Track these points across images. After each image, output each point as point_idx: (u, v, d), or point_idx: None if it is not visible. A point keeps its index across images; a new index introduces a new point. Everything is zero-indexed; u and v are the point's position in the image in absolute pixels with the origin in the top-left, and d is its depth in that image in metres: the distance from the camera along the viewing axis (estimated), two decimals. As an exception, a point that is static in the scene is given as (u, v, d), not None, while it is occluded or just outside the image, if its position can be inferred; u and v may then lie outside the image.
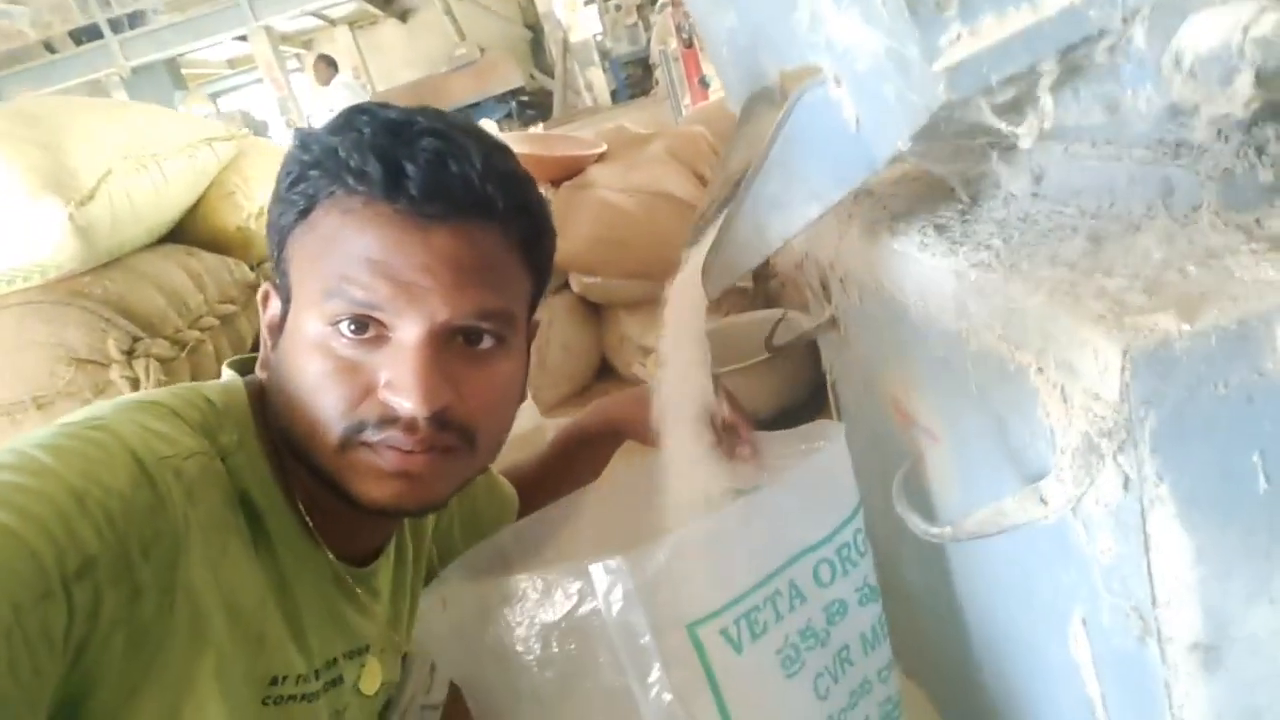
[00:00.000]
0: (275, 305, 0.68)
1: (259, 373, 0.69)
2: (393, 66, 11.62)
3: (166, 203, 1.61)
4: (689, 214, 2.71)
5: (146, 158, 1.54)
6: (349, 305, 0.61)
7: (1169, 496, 0.53)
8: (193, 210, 1.72)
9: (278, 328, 0.67)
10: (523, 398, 0.73)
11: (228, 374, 0.72)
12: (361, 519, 0.70)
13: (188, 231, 1.72)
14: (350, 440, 0.62)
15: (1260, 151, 0.59)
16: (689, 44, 4.85)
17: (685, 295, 0.77)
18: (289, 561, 0.66)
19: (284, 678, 0.64)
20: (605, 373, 2.98)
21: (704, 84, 4.69)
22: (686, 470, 0.79)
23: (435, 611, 0.79)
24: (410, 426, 0.61)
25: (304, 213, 0.63)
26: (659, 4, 6.18)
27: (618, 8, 9.06)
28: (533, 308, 0.74)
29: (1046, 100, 0.54)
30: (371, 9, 10.57)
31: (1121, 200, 0.68)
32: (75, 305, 1.45)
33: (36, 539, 0.48)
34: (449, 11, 10.50)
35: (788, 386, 2.27)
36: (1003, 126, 0.55)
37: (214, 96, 11.20)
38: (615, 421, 1.00)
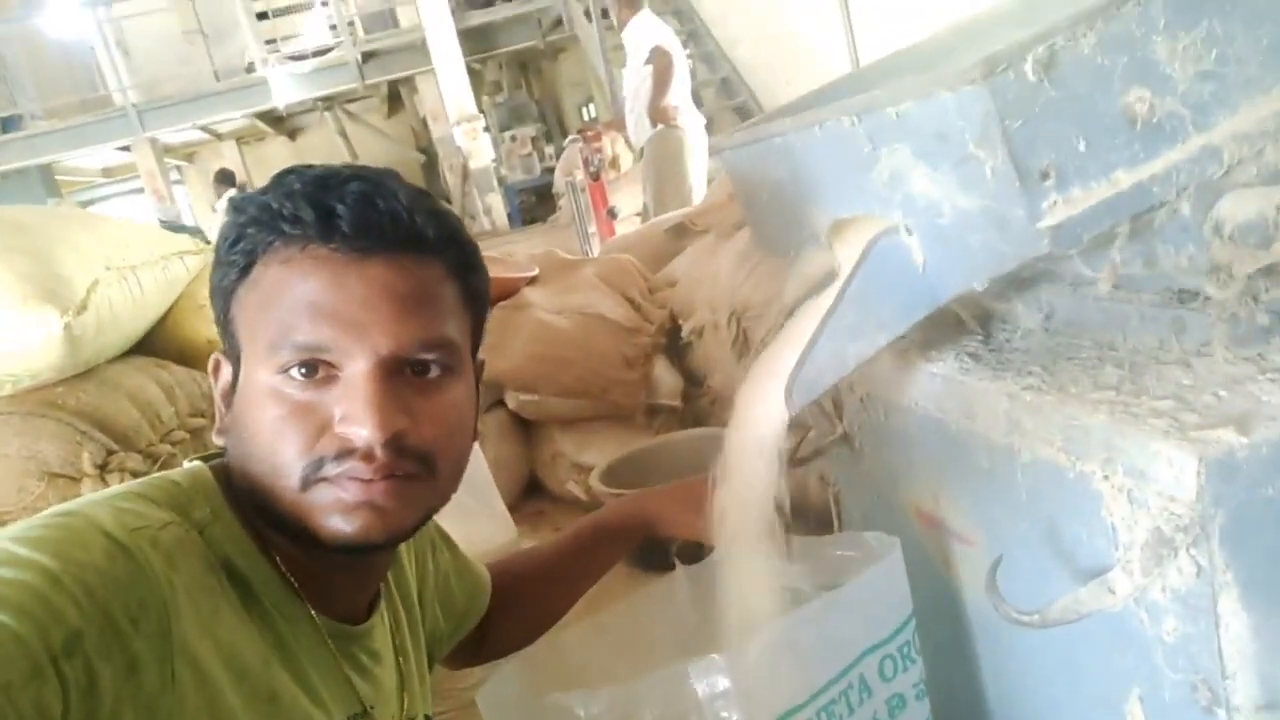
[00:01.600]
0: (226, 370, 0.69)
1: (216, 439, 0.70)
2: (279, 182, 11.56)
3: (142, 314, 1.59)
4: (623, 335, 2.83)
5: (126, 269, 1.53)
6: (296, 351, 0.62)
7: (1233, 582, 0.63)
8: (161, 322, 1.70)
9: (229, 390, 0.68)
10: (475, 435, 0.74)
11: (159, 474, 0.71)
12: (340, 574, 0.71)
13: (155, 342, 1.69)
14: (310, 478, 0.62)
15: (1256, 299, 0.74)
16: (595, 177, 5.08)
17: (763, 410, 0.85)
18: (282, 624, 0.66)
19: None
20: (532, 490, 2.99)
21: (611, 215, 4.90)
22: (759, 571, 0.85)
23: None
24: (368, 455, 0.62)
25: (244, 270, 0.65)
26: (568, 139, 6.48)
27: (513, 139, 9.39)
28: (475, 342, 0.74)
29: (1116, 254, 0.66)
30: (261, 125, 10.57)
31: (1134, 336, 0.82)
32: (50, 417, 1.41)
33: (17, 621, 0.48)
34: (342, 132, 10.62)
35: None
36: (1088, 272, 0.67)
37: (85, 204, 10.82)
38: (649, 517, 1.04)
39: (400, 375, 0.64)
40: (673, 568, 2.30)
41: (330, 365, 0.62)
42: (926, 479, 0.98)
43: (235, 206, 0.66)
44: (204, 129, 9.97)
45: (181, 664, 0.56)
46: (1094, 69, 0.60)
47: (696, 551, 2.28)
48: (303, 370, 0.62)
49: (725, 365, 2.56)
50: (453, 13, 8.20)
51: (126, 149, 9.24)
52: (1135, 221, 0.65)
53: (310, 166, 0.66)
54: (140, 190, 9.86)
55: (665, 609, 1.00)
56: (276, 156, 11.85)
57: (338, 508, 0.62)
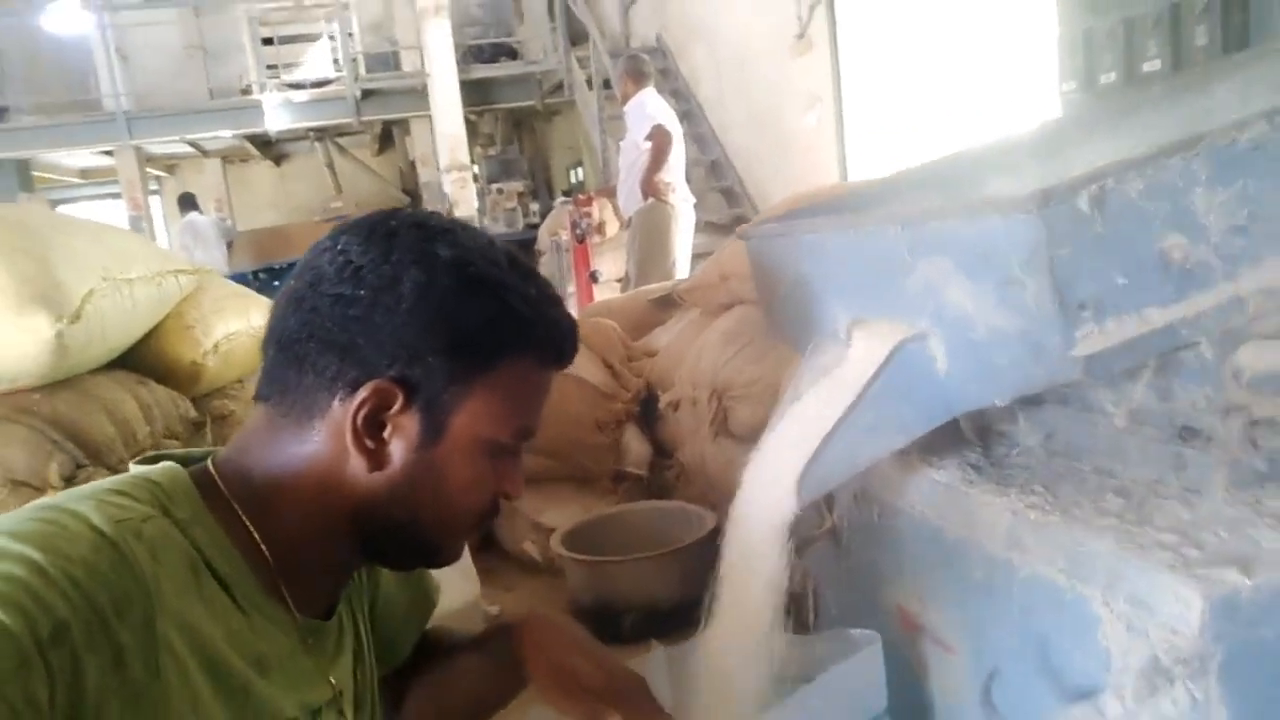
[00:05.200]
0: (411, 424, 0.70)
1: (365, 472, 0.71)
2: (258, 205, 11.53)
3: (131, 328, 1.57)
4: (598, 399, 2.83)
5: (122, 281, 1.51)
6: (520, 442, 0.75)
7: (1226, 716, 0.65)
8: (146, 338, 1.67)
9: (415, 444, 0.71)
10: None
11: (139, 469, 0.71)
12: (323, 574, 0.75)
13: (138, 358, 1.66)
14: (475, 527, 0.75)
15: (1255, 445, 0.77)
16: (580, 240, 5.13)
17: (772, 500, 0.86)
18: (257, 619, 0.68)
19: None
20: (484, 546, 2.95)
21: (593, 278, 4.94)
22: (750, 659, 0.85)
23: None
24: (499, 508, 0.76)
25: (496, 355, 0.71)
26: (558, 200, 6.55)
27: (500, 191, 9.48)
28: None
29: (1139, 388, 0.69)
30: (249, 147, 10.57)
31: (1134, 467, 0.84)
32: (23, 423, 1.37)
33: (5, 614, 0.51)
34: (330, 164, 10.65)
35: (689, 577, 2.34)
36: (1109, 406, 0.69)
37: (58, 204, 10.66)
38: (529, 669, 0.87)
39: None
40: (623, 640, 2.27)
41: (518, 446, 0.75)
42: (913, 582, 0.99)
43: (497, 281, 0.71)
44: (191, 143, 9.94)
45: (165, 656, 0.58)
46: (1138, 212, 0.63)
47: (648, 627, 2.24)
48: (508, 449, 0.74)
49: (699, 441, 2.57)
50: (457, 63, 8.34)
51: (109, 153, 9.16)
52: (1161, 358, 0.68)
53: (546, 283, 0.76)
54: (117, 195, 9.75)
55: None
56: (260, 179, 11.84)
57: (462, 545, 0.78)
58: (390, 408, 0.70)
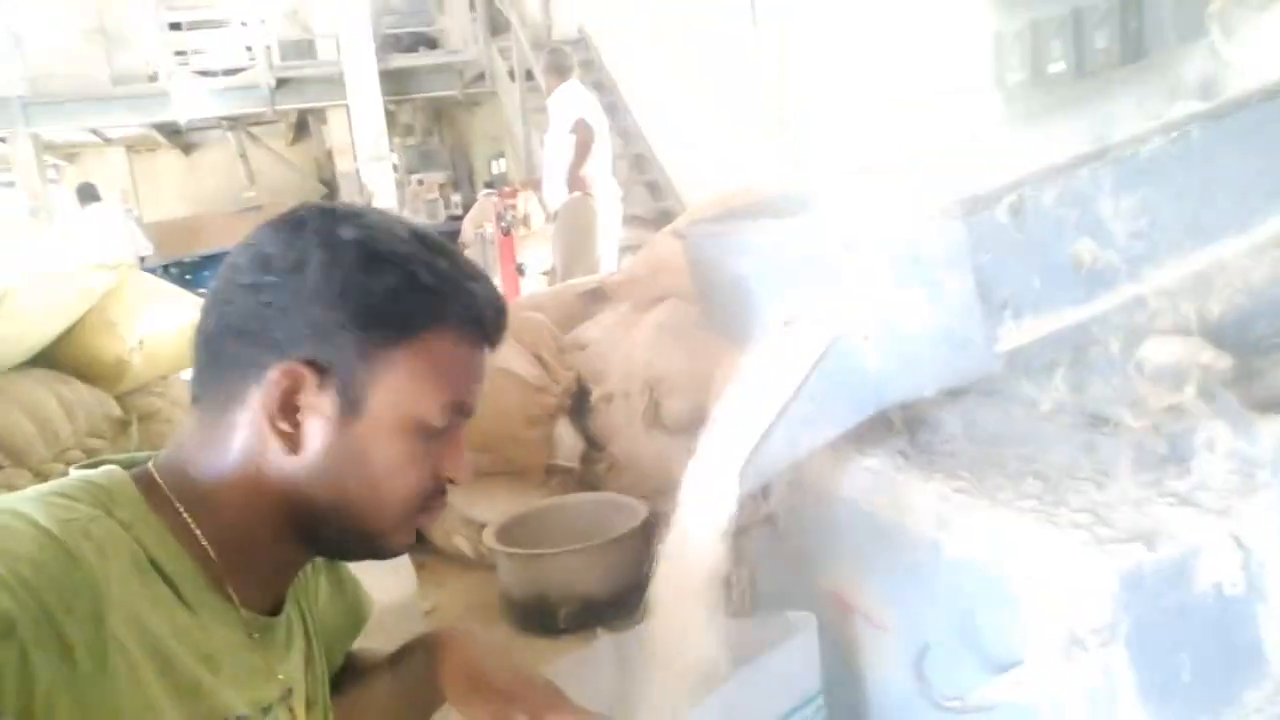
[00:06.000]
0: (325, 404, 0.71)
1: (285, 457, 0.71)
2: (166, 196, 11.11)
3: (51, 324, 1.53)
4: (529, 393, 2.84)
5: (40, 277, 1.47)
6: (448, 418, 0.72)
7: (1134, 682, 0.71)
8: (67, 333, 1.63)
9: (329, 415, 0.71)
10: None
11: (80, 472, 0.72)
12: (269, 570, 0.76)
13: (58, 354, 1.62)
14: (413, 511, 0.73)
15: (1157, 430, 0.84)
16: (506, 232, 5.12)
17: (715, 489, 0.89)
18: (205, 616, 0.69)
19: (227, 719, 0.67)
20: (417, 542, 2.93)
21: (520, 271, 4.94)
22: (693, 644, 0.89)
23: None
24: (445, 494, 0.75)
25: (411, 329, 0.71)
26: (482, 191, 6.50)
27: (420, 182, 9.35)
28: None
29: (1059, 380, 0.75)
30: (156, 136, 10.18)
31: (1050, 452, 0.91)
32: (-62, 425, 1.33)
33: None
34: (243, 154, 10.33)
35: (622, 568, 2.37)
36: (1036, 395, 0.75)
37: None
38: (444, 680, 0.89)
39: None
40: (559, 632, 2.29)
41: (451, 427, 0.73)
42: (848, 565, 1.04)
43: (401, 255, 0.71)
44: (93, 131, 9.53)
45: (114, 651, 0.58)
46: (1053, 218, 0.69)
47: (584, 619, 2.27)
48: (437, 427, 0.72)
49: (630, 433, 2.60)
50: (375, 52, 8.18)
51: (2, 140, 8.73)
52: (1073, 353, 0.74)
53: (458, 251, 0.76)
54: (11, 184, 9.29)
55: (588, 676, 1.02)
56: (167, 169, 11.40)
57: (410, 532, 0.75)
58: (301, 389, 0.71)
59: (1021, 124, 1.12)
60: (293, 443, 0.71)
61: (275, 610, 0.78)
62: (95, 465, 0.72)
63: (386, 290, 0.70)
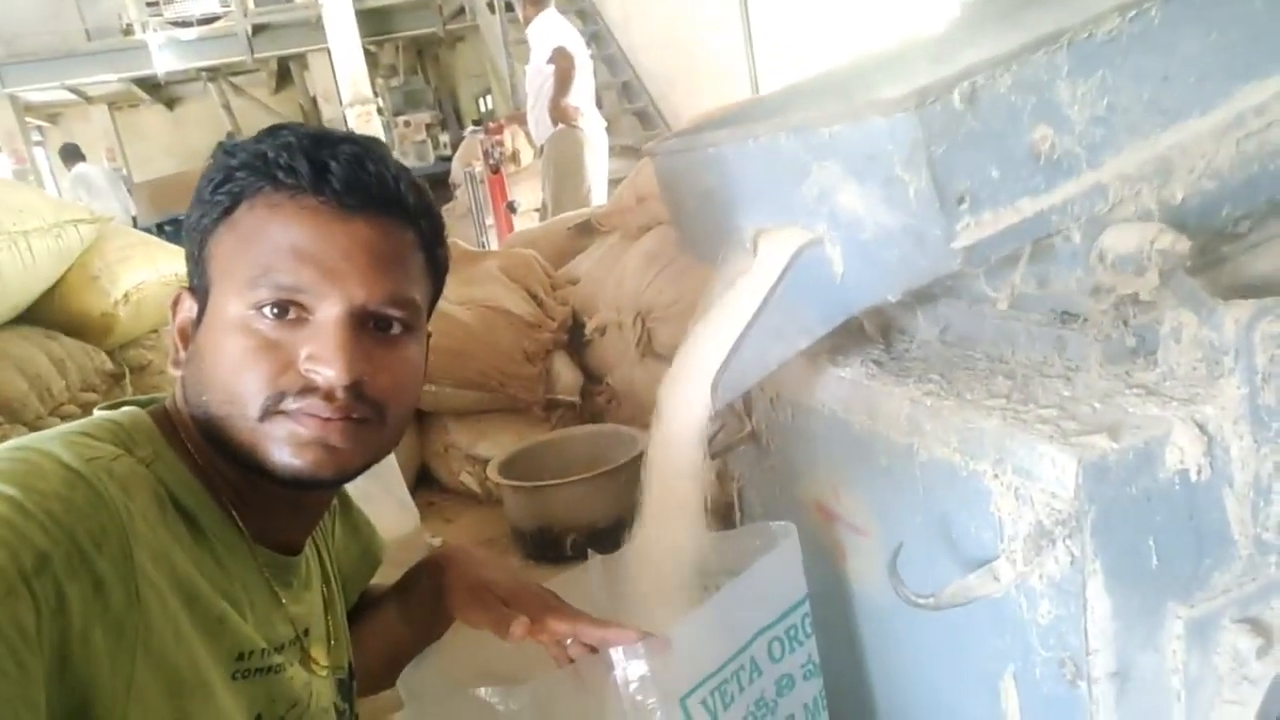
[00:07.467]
0: (189, 305, 0.73)
1: (172, 371, 0.74)
2: (153, 153, 10.99)
3: (32, 282, 1.52)
4: (525, 329, 2.84)
5: (17, 234, 1.46)
6: (273, 290, 0.66)
7: (1100, 570, 0.72)
8: (51, 291, 1.63)
9: (191, 324, 0.72)
10: (421, 390, 0.79)
11: (101, 413, 0.73)
12: (282, 508, 0.75)
13: (43, 312, 1.62)
14: (270, 410, 0.66)
15: (1125, 323, 0.83)
16: (495, 170, 5.06)
17: (689, 404, 0.90)
18: (224, 553, 0.70)
19: (249, 652, 0.68)
20: (423, 481, 2.97)
21: (510, 209, 4.89)
22: (680, 559, 0.90)
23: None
24: (329, 395, 0.66)
25: (228, 210, 0.69)
26: (468, 130, 6.40)
27: (406, 124, 9.21)
28: (429, 311, 0.79)
29: (1018, 276, 0.74)
30: (137, 91, 10.03)
31: (1022, 350, 0.91)
32: (-74, 385, 1.33)
33: None
34: (226, 105, 10.18)
35: (625, 495, 2.40)
36: (990, 291, 0.74)
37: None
38: (451, 599, 0.90)
39: (365, 327, 0.69)
40: (567, 559, 2.33)
41: (302, 308, 0.67)
42: (828, 475, 1.05)
43: (226, 150, 0.69)
44: (73, 89, 9.38)
45: (144, 586, 0.59)
46: (1008, 106, 0.67)
47: (590, 546, 2.32)
48: (275, 310, 0.66)
49: (626, 364, 2.61)
50: (352, -9, 7.99)
51: (-19, 104, 8.61)
52: (1035, 246, 0.73)
53: (303, 124, 0.70)
54: (-4, 150, 9.18)
55: (580, 596, 1.04)
56: (152, 125, 11.26)
57: (292, 441, 0.67)
58: (180, 307, 0.73)
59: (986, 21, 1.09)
60: (175, 360, 0.73)
61: (294, 551, 0.79)
62: (116, 406, 0.73)
63: (209, 181, 0.70)
